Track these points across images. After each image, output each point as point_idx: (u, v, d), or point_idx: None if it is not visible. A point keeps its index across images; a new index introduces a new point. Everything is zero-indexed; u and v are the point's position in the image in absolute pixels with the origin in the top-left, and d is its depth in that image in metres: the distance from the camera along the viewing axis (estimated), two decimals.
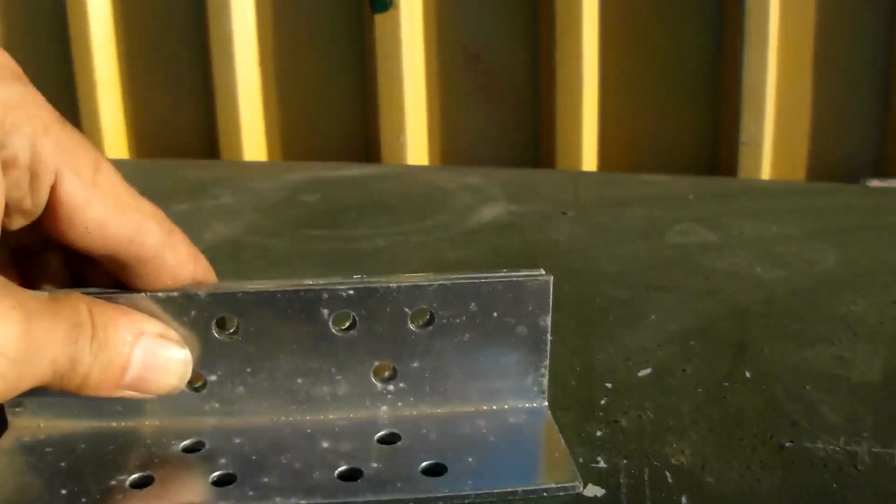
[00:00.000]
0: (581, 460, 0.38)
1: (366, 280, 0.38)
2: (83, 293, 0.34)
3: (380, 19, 1.17)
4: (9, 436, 0.38)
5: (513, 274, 0.39)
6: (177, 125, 1.30)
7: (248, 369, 0.39)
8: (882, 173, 1.10)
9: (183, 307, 0.37)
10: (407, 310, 0.38)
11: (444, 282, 0.38)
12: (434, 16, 1.19)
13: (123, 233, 0.35)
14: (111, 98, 1.29)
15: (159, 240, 0.36)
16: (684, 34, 1.13)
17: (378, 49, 1.18)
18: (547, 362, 0.40)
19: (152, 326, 0.35)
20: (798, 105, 1.11)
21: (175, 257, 0.37)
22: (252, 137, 1.26)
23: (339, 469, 0.36)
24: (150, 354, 0.35)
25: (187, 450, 0.38)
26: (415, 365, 0.39)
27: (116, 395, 0.34)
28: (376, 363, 0.39)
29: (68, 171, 0.33)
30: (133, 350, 0.34)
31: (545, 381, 0.41)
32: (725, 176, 1.13)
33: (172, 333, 0.36)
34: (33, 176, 0.32)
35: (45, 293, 0.33)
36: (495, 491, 0.35)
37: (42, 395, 0.38)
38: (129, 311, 0.35)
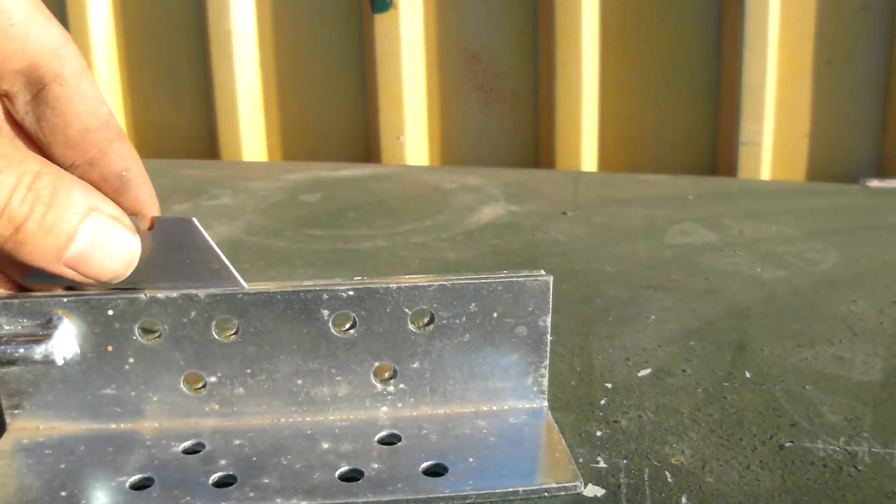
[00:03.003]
0: (581, 460, 0.38)
1: (366, 281, 0.38)
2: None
3: (380, 19, 1.17)
4: (8, 438, 0.38)
5: (512, 274, 0.39)
6: (177, 125, 1.30)
7: (248, 370, 0.39)
8: (882, 173, 1.10)
9: (182, 308, 0.37)
10: (407, 310, 0.38)
11: (444, 282, 0.38)
12: (434, 16, 1.19)
13: (47, 39, 0.35)
14: (111, 98, 1.29)
15: (80, 61, 0.36)
16: (684, 34, 1.13)
17: (378, 49, 1.18)
18: (547, 363, 0.40)
19: (107, 207, 0.34)
20: (798, 105, 1.11)
21: (92, 88, 0.36)
22: (252, 137, 1.26)
23: (340, 470, 0.36)
24: (98, 232, 0.34)
25: (187, 451, 0.38)
26: (415, 365, 0.39)
27: (56, 270, 0.33)
28: (376, 364, 0.39)
29: None
30: (82, 223, 0.33)
31: (545, 381, 0.41)
32: (725, 176, 1.14)
33: (126, 220, 0.35)
34: None
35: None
36: (496, 491, 0.35)
37: (41, 396, 0.38)
38: (87, 185, 0.34)
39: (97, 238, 0.34)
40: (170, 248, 0.36)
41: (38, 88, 0.36)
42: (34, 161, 0.32)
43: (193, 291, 0.37)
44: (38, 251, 0.32)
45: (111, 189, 0.36)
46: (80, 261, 0.33)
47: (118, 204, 0.35)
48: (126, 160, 0.37)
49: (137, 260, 0.35)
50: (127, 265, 0.35)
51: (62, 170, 0.34)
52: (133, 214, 0.36)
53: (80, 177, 0.36)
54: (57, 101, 0.36)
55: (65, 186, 0.33)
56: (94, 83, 0.37)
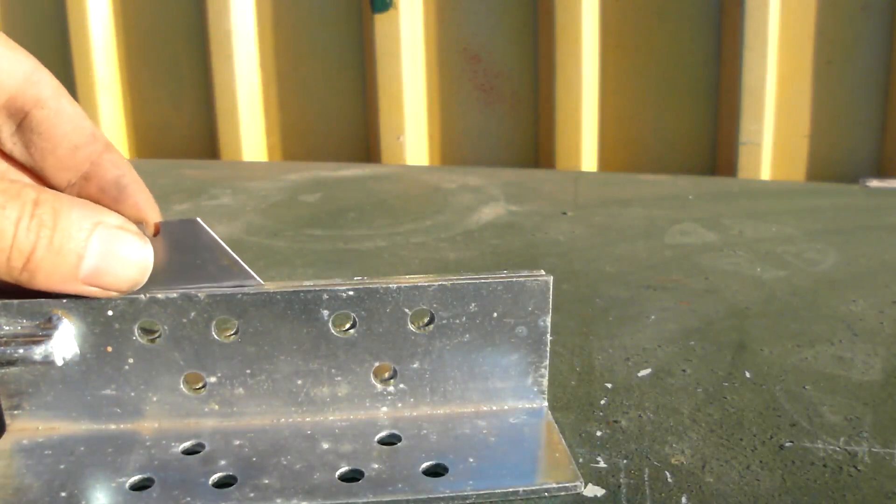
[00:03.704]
0: (581, 460, 0.38)
1: (366, 281, 0.38)
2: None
3: (380, 19, 1.17)
4: (7, 438, 0.38)
5: (512, 275, 0.39)
6: (177, 125, 1.30)
7: (248, 370, 0.39)
8: (882, 173, 1.10)
9: (182, 308, 0.37)
10: (407, 310, 0.38)
11: (443, 282, 0.38)
12: (434, 16, 1.19)
13: (19, 70, 0.35)
14: (111, 98, 1.29)
15: (55, 82, 0.36)
16: (684, 34, 1.13)
17: (378, 49, 1.18)
18: (547, 363, 0.40)
19: (111, 218, 0.34)
20: (798, 105, 1.11)
21: (72, 106, 0.37)
22: (252, 137, 1.26)
23: (340, 470, 0.36)
24: (108, 244, 0.34)
25: (187, 452, 0.38)
26: (415, 366, 0.39)
27: (74, 291, 0.34)
28: (376, 364, 0.39)
29: None
30: (90, 238, 0.33)
31: (545, 381, 0.41)
32: (725, 176, 1.14)
33: (132, 226, 0.35)
34: None
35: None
36: (496, 491, 0.35)
37: (41, 396, 0.38)
38: (87, 202, 0.34)
39: (108, 249, 0.34)
40: (178, 250, 0.36)
41: (20, 118, 0.36)
42: (31, 189, 0.33)
43: (193, 292, 0.37)
44: (53, 276, 0.33)
45: (110, 199, 0.36)
46: (96, 275, 0.34)
47: (119, 213, 0.35)
48: (119, 168, 0.37)
49: (152, 264, 0.36)
50: (142, 271, 0.35)
51: (59, 192, 0.34)
52: (136, 222, 0.36)
53: (78, 194, 0.36)
54: (41, 125, 0.36)
55: (65, 207, 0.33)
56: (73, 100, 0.37)
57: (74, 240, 0.33)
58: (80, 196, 0.36)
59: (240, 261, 0.37)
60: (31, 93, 0.36)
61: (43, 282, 0.33)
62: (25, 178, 0.37)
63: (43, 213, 0.32)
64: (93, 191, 0.36)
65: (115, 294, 0.35)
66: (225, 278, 0.37)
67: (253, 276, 0.37)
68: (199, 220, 0.36)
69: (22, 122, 0.36)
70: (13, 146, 0.37)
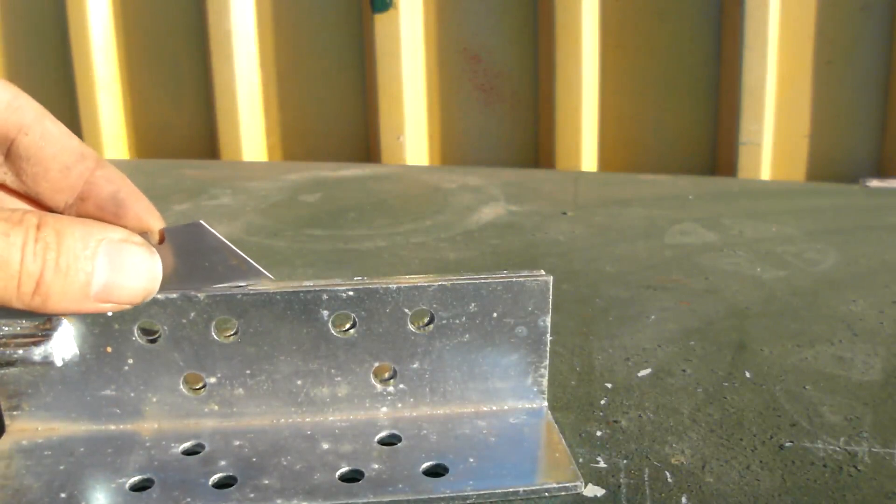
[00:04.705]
0: (581, 460, 0.38)
1: (365, 281, 0.38)
2: None
3: (380, 19, 1.17)
4: (7, 439, 0.38)
5: (512, 275, 0.39)
6: (177, 125, 1.30)
7: (248, 371, 0.39)
8: (882, 173, 1.10)
9: (182, 308, 0.37)
10: (407, 311, 0.38)
11: (443, 283, 0.38)
12: (434, 16, 1.19)
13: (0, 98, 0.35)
14: (111, 98, 1.29)
15: (36, 105, 0.37)
16: (684, 34, 1.13)
17: (378, 49, 1.18)
18: (547, 363, 0.40)
19: (115, 233, 0.35)
20: (798, 105, 1.11)
21: (56, 126, 0.37)
22: (252, 137, 1.26)
23: (340, 470, 0.36)
24: (115, 258, 0.34)
25: (187, 452, 0.38)
26: (415, 366, 0.39)
27: (89, 310, 0.34)
28: (376, 364, 0.39)
29: None
30: (96, 255, 0.33)
31: (545, 381, 0.41)
32: (725, 176, 1.14)
33: (137, 237, 0.35)
34: None
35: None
36: (496, 491, 0.35)
37: (40, 397, 0.38)
38: (88, 221, 0.34)
39: (116, 263, 0.34)
40: (185, 255, 0.36)
41: (6, 146, 0.36)
42: (31, 214, 0.33)
43: (193, 292, 0.37)
44: (65, 298, 0.33)
45: (109, 214, 0.36)
46: (108, 291, 0.34)
47: (122, 226, 0.36)
48: (114, 182, 0.37)
49: (161, 272, 0.36)
50: (153, 280, 0.36)
51: (59, 214, 0.34)
52: (140, 233, 0.36)
53: (77, 214, 0.36)
54: (28, 150, 0.36)
55: (67, 228, 0.33)
56: (57, 121, 0.37)
57: (81, 258, 0.33)
58: (79, 216, 0.36)
59: (248, 258, 0.37)
60: (13, 120, 0.36)
61: (56, 305, 0.33)
62: (25, 206, 0.38)
63: (46, 236, 0.32)
64: (91, 209, 0.37)
65: (129, 307, 0.35)
66: (235, 278, 0.37)
67: (263, 273, 0.37)
68: (202, 222, 0.36)
69: (9, 151, 0.37)
70: (4, 175, 0.37)
